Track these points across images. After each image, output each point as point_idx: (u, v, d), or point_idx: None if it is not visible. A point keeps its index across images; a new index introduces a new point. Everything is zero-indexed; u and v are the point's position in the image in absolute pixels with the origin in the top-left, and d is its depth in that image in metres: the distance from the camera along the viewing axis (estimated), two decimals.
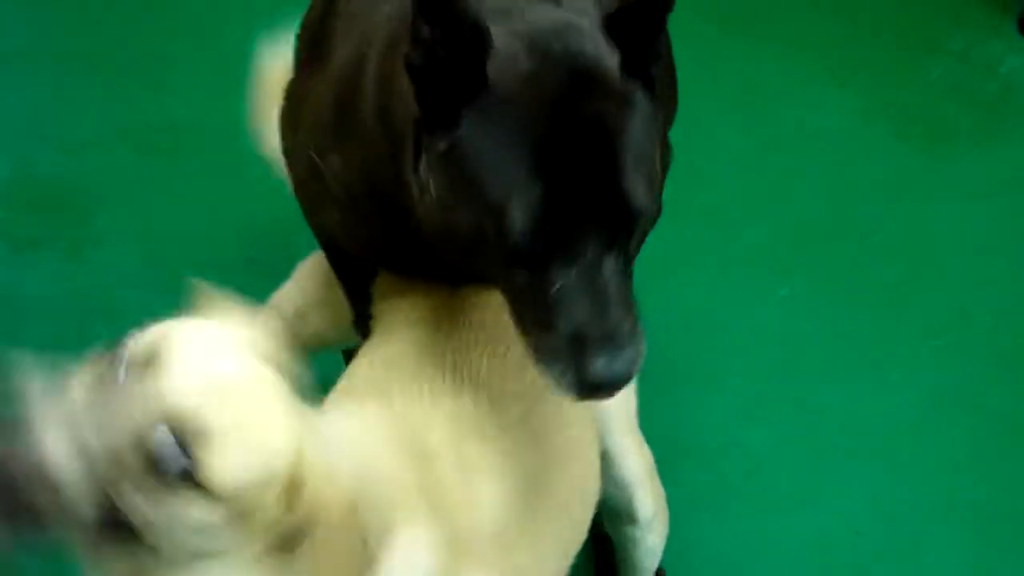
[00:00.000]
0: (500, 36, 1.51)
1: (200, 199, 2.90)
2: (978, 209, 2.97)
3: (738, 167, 3.06)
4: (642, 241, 1.66)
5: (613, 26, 1.56)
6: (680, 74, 2.62)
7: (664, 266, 2.69)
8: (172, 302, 2.46)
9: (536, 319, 1.62)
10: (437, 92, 1.53)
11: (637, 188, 1.53)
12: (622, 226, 1.55)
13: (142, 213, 2.87)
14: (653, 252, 2.24)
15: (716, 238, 2.95)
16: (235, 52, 2.98)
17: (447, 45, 1.48)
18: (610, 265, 1.57)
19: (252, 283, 1.86)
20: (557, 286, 1.57)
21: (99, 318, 2.52)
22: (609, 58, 1.54)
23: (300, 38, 2.08)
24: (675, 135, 2.47)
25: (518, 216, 1.51)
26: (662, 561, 2.30)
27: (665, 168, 1.90)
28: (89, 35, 3.27)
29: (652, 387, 2.36)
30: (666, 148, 1.95)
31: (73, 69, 3.18)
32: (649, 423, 2.26)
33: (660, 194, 1.63)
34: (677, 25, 2.77)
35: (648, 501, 2.18)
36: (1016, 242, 2.94)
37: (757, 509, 2.57)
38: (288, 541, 1.47)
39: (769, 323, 2.81)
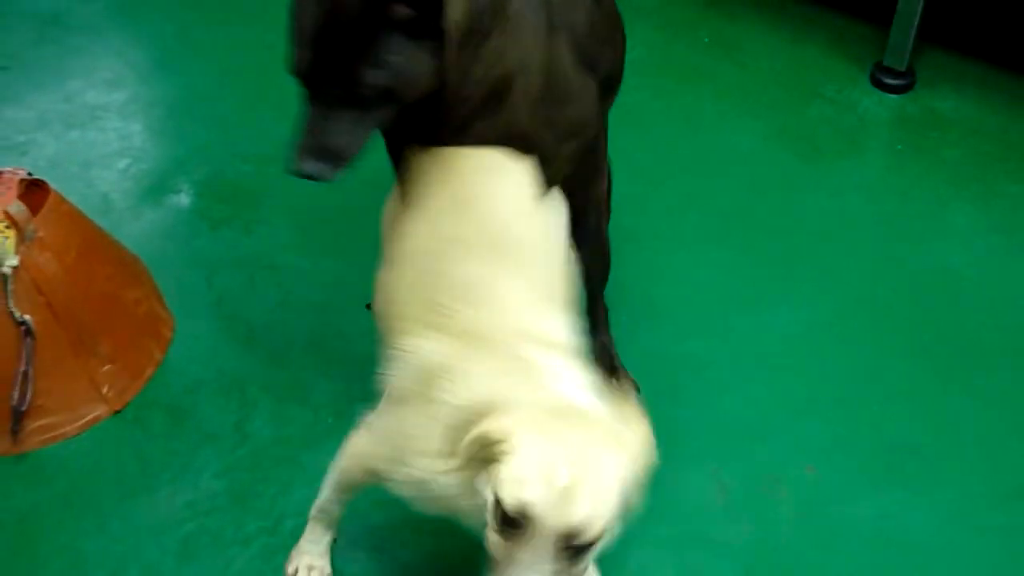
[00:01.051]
0: None
1: (331, 194, 2.84)
2: (840, 201, 3.08)
3: (683, 172, 3.18)
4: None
5: None
6: (645, 113, 2.92)
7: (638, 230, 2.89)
8: (320, 264, 2.75)
9: None
10: None
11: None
12: None
13: (293, 202, 2.95)
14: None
15: (669, 223, 3.02)
16: None
17: None
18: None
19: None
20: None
21: (266, 273, 2.82)
22: None
23: None
24: (652, 153, 2.77)
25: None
26: None
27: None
28: (268, 79, 3.35)
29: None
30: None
31: (251, 107, 3.27)
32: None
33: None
34: (648, 79, 3.04)
35: None
36: (864, 222, 3.03)
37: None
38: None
39: (703, 272, 2.87)
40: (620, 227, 2.51)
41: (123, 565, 2.25)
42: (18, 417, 2.38)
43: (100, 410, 2.49)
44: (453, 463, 1.65)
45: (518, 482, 1.55)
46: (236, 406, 2.53)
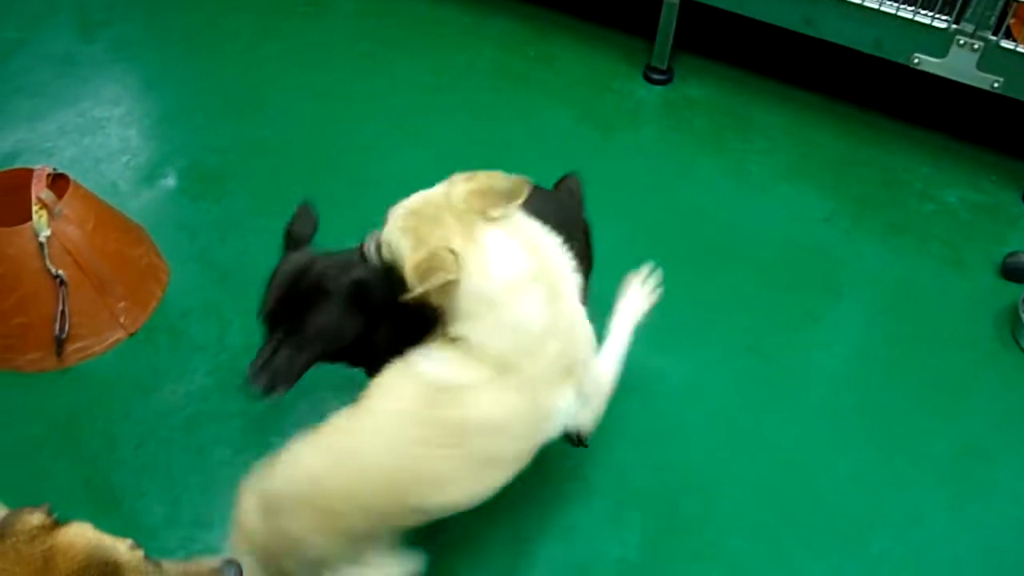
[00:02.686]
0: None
1: (284, 175, 2.94)
2: (626, 162, 3.05)
3: (516, 148, 3.06)
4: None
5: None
6: (489, 107, 2.88)
7: None
8: (270, 223, 2.73)
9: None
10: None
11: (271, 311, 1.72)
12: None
13: (248, 181, 2.91)
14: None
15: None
16: (309, 91, 3.23)
17: None
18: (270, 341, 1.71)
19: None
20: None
21: (232, 231, 2.77)
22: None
23: None
24: (494, 136, 2.68)
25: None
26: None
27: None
28: (229, 98, 3.30)
29: None
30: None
31: (216, 115, 3.21)
32: None
33: None
34: (491, 82, 3.01)
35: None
36: (642, 175, 3.01)
37: None
38: None
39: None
40: None
41: (144, 440, 2.24)
42: (60, 343, 2.36)
43: (119, 334, 2.47)
44: None
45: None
46: (217, 325, 2.52)
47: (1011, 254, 2.81)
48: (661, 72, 3.42)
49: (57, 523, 1.15)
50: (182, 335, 2.45)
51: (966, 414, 2.38)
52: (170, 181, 2.94)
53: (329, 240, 2.63)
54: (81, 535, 1.13)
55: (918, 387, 2.42)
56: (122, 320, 2.42)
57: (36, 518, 1.14)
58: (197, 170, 2.90)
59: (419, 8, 3.73)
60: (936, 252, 2.80)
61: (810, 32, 3.01)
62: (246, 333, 2.49)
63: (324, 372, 2.27)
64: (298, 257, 1.69)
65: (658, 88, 3.34)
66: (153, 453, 2.18)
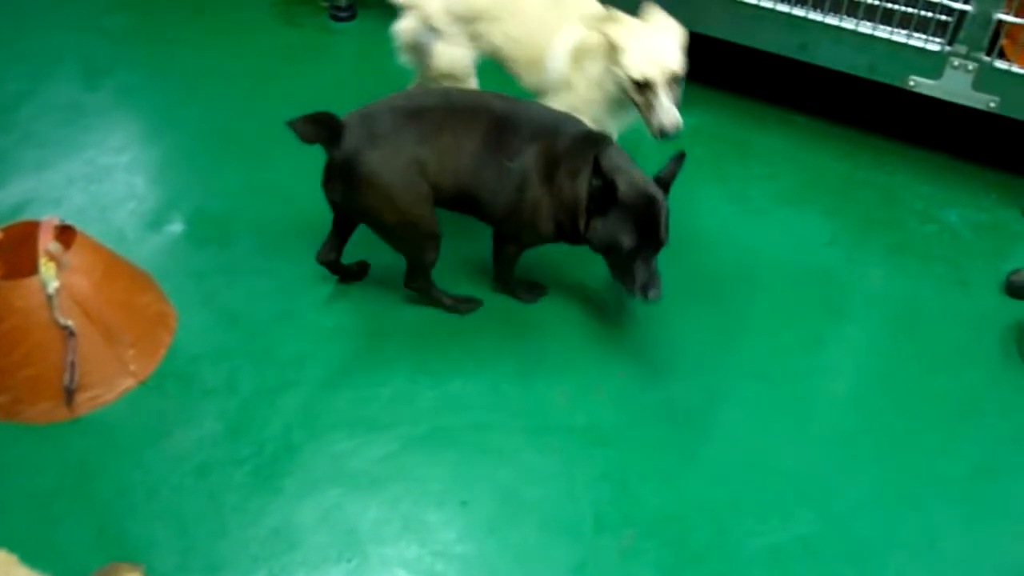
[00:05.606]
0: (620, 182, 2.17)
1: (291, 217, 2.95)
2: None
3: None
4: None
5: (659, 180, 2.25)
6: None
7: None
8: (277, 266, 2.74)
9: (624, 273, 2.25)
10: (600, 202, 2.18)
11: (665, 238, 2.21)
12: (658, 249, 2.22)
13: (254, 225, 2.92)
14: None
15: None
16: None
17: (602, 187, 2.15)
18: (654, 260, 2.22)
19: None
20: (636, 265, 2.22)
21: (239, 275, 2.77)
22: (659, 192, 2.21)
23: None
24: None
25: (627, 242, 2.20)
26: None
27: None
28: (231, 142, 3.30)
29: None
30: None
31: (219, 160, 3.21)
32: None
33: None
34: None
35: None
36: None
37: None
38: None
39: None
40: None
41: (156, 488, 2.23)
42: (70, 393, 2.35)
43: (129, 382, 2.45)
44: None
45: (637, 63, 2.30)
46: (226, 369, 2.51)
47: (1014, 272, 2.80)
48: None
49: None
50: (192, 381, 2.45)
51: (975, 434, 2.38)
52: (176, 227, 2.94)
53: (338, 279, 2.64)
54: None
55: (926, 408, 2.42)
56: (132, 368, 2.42)
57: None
58: (203, 215, 2.90)
59: None
60: (939, 272, 2.80)
61: (805, 58, 3.03)
62: (256, 377, 2.50)
63: (334, 416, 2.30)
64: (653, 188, 2.22)
65: None
66: (165, 500, 2.17)
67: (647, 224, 2.16)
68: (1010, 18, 2.77)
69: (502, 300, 2.67)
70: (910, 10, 2.89)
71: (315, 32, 3.75)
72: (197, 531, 2.12)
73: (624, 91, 2.39)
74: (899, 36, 2.88)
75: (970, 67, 2.85)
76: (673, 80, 2.32)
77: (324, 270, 2.69)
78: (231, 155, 3.13)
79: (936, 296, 2.70)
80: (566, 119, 2.32)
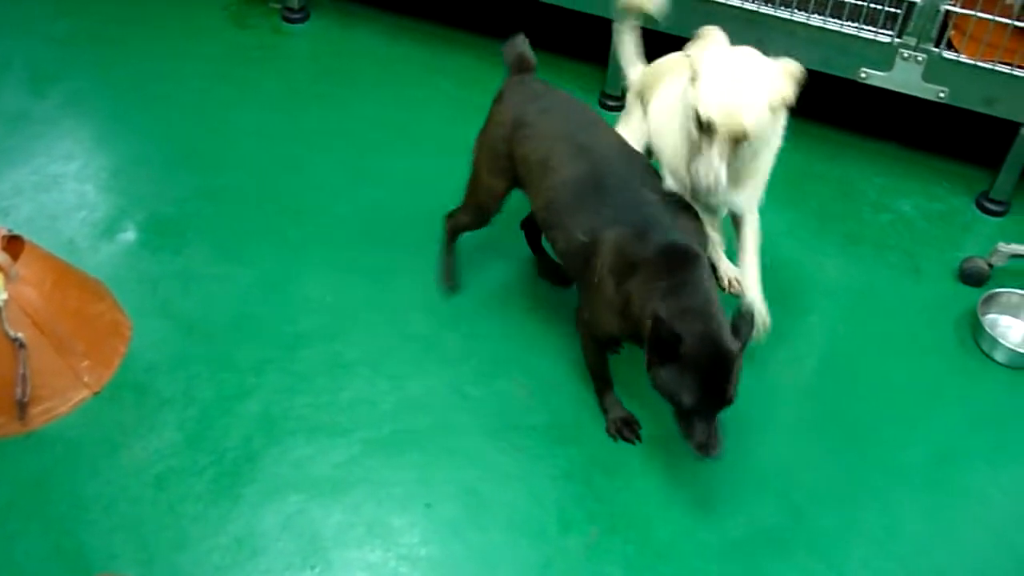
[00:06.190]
0: (687, 333, 1.89)
1: (244, 221, 2.95)
2: None
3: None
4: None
5: (734, 329, 1.93)
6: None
7: None
8: (232, 271, 2.70)
9: (684, 425, 2.01)
10: (663, 349, 1.91)
11: (733, 396, 1.94)
12: (723, 408, 1.96)
13: (207, 231, 2.89)
14: None
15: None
16: (261, 133, 3.19)
17: (664, 339, 1.89)
18: (715, 419, 1.97)
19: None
20: (695, 421, 1.98)
21: (193, 281, 2.74)
22: (732, 342, 1.91)
23: None
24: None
25: (687, 400, 1.94)
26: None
27: None
28: (181, 148, 3.32)
29: None
30: None
31: (170, 166, 3.17)
32: None
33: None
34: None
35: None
36: None
37: None
38: None
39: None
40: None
41: (114, 500, 2.20)
42: (23, 407, 2.31)
43: (83, 393, 2.42)
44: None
45: (706, 102, 1.91)
46: (183, 378, 2.48)
47: (968, 259, 2.85)
48: (616, 98, 3.45)
49: None
50: (148, 390, 2.42)
51: (934, 421, 2.41)
52: (129, 234, 2.90)
53: (297, 282, 2.63)
54: None
55: (885, 396, 2.44)
56: (86, 379, 2.38)
57: None
58: (155, 221, 2.87)
59: (374, 46, 3.72)
60: (894, 261, 2.83)
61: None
62: (214, 384, 2.48)
63: (294, 422, 2.28)
64: (727, 341, 1.93)
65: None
66: (123, 513, 2.13)
67: (713, 383, 1.91)
68: (957, 9, 2.81)
69: (458, 302, 2.63)
70: (860, 2, 2.91)
71: (267, 34, 3.68)
72: (157, 542, 2.09)
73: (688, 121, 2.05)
74: (850, 28, 2.91)
75: (920, 58, 2.89)
76: (740, 137, 1.97)
77: (277, 274, 2.70)
78: (183, 160, 3.08)
79: (892, 285, 2.72)
80: (661, 214, 2.04)
